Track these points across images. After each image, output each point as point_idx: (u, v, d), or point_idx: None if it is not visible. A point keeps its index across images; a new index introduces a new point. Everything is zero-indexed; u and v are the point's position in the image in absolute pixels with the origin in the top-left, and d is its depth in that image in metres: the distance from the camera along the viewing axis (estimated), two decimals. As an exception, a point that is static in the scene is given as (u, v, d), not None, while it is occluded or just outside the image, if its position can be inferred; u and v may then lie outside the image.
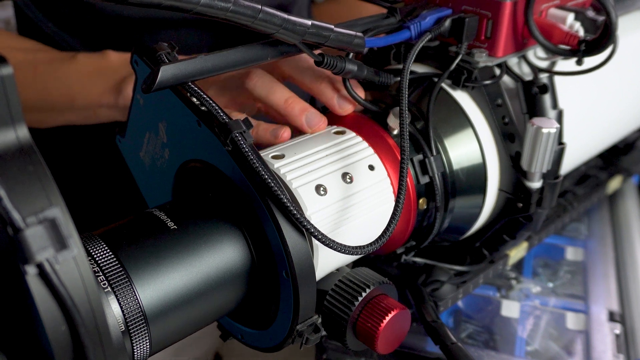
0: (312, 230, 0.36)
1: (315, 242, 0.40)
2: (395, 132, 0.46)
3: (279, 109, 0.47)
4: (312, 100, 0.50)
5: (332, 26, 0.41)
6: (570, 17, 0.50)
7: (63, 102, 0.63)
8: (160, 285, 0.35)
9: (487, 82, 0.49)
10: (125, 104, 0.58)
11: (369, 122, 0.46)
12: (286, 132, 0.46)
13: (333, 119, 0.48)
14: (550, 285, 0.62)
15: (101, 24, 0.67)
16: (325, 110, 0.49)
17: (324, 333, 0.41)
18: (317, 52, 0.42)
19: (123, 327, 0.33)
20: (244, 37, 0.73)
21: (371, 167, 0.44)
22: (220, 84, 0.51)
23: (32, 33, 0.69)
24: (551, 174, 0.50)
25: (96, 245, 0.35)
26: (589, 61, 0.51)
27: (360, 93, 0.48)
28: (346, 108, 0.47)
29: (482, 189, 0.50)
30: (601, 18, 0.51)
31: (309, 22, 0.39)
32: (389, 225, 0.40)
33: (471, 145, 0.49)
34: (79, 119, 0.65)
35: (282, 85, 0.48)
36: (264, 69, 0.49)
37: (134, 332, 0.34)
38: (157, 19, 0.63)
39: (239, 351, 0.80)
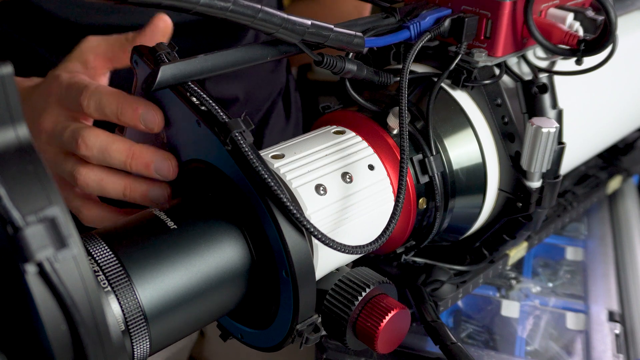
0: (312, 229, 0.36)
1: (315, 241, 0.40)
2: (395, 131, 0.46)
3: (125, 168, 0.44)
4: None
5: (332, 26, 0.41)
6: (570, 16, 0.50)
7: None
8: (160, 284, 0.35)
9: (487, 81, 0.49)
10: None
11: (368, 122, 0.46)
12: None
13: (333, 118, 0.48)
14: (550, 285, 0.62)
15: (69, 34, 0.66)
16: (325, 109, 0.49)
17: (323, 333, 0.41)
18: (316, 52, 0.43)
19: (123, 326, 0.33)
20: (227, 41, 0.72)
21: (371, 167, 0.44)
22: (50, 132, 0.47)
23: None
24: (551, 174, 0.50)
25: (96, 245, 0.35)
26: (589, 61, 0.51)
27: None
28: (151, 124, 0.42)
29: (481, 189, 0.50)
30: (601, 18, 0.51)
31: (309, 22, 0.39)
32: (388, 224, 0.40)
33: (471, 145, 0.49)
34: None
35: (115, 138, 0.44)
36: (66, 117, 0.46)
37: (133, 331, 0.34)
38: (126, 26, 0.61)
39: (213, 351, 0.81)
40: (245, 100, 0.78)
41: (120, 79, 0.60)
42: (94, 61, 0.51)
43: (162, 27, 0.50)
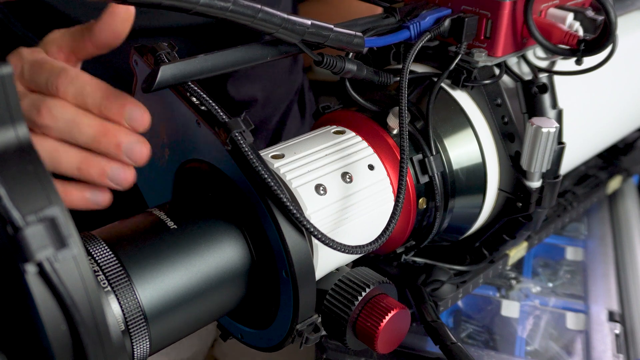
0: (312, 229, 0.36)
1: (315, 241, 0.40)
2: (395, 131, 0.46)
3: (91, 145, 0.41)
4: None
5: (332, 26, 0.41)
6: (570, 16, 0.50)
7: None
8: (160, 284, 0.35)
9: (487, 81, 0.49)
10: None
11: (368, 122, 0.46)
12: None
13: (333, 118, 0.48)
14: (550, 285, 0.62)
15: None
16: (325, 109, 0.49)
17: (323, 333, 0.41)
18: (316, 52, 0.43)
19: (123, 326, 0.33)
20: (221, 44, 0.72)
21: (371, 167, 0.44)
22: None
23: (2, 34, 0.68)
24: (551, 174, 0.50)
25: (96, 245, 0.35)
26: (589, 61, 0.51)
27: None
28: (136, 123, 0.41)
29: (481, 189, 0.50)
30: (600, 18, 0.51)
31: (309, 22, 0.39)
32: (388, 224, 0.40)
33: (471, 145, 0.49)
34: None
35: (87, 113, 0.41)
36: (23, 91, 0.43)
37: (133, 331, 0.34)
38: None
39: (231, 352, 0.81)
40: (264, 102, 0.78)
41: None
42: (56, 54, 0.49)
43: (121, 13, 0.46)
